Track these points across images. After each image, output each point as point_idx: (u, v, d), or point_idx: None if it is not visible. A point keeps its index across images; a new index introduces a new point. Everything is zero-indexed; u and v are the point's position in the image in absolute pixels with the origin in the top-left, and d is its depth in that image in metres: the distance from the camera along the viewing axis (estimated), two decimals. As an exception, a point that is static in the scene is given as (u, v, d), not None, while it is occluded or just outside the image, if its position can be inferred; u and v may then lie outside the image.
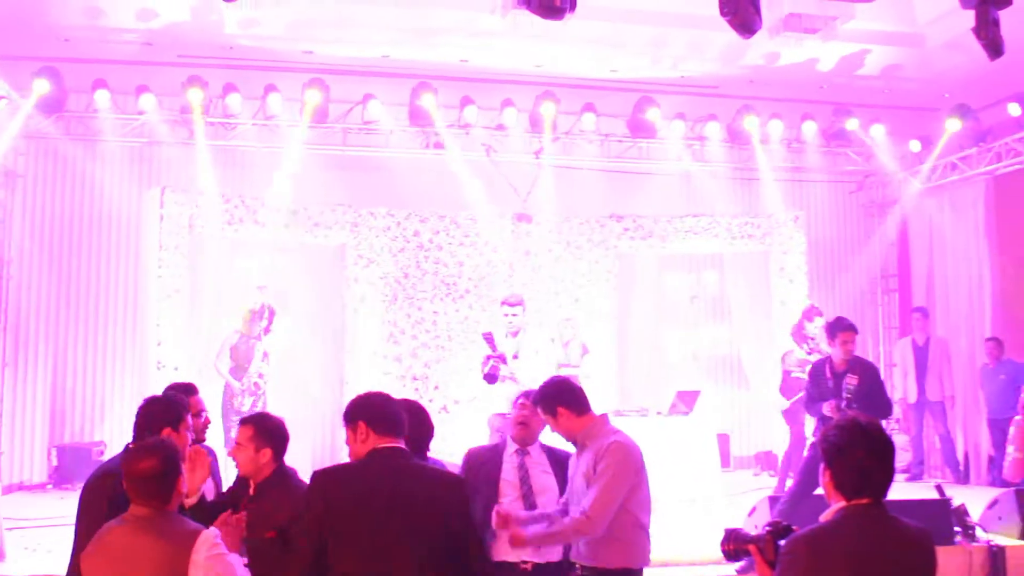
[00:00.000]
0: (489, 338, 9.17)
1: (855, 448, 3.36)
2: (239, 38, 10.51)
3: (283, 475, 4.58)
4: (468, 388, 11.09)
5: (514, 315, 9.37)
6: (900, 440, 12.63)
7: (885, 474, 3.37)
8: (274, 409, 10.07)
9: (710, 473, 9.48)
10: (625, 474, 4.50)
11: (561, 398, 4.72)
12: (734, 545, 3.69)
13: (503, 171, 11.94)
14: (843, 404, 7.37)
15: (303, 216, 11.58)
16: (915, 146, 12.66)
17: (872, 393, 7.49)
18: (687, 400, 10.14)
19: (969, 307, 12.12)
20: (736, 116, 12.32)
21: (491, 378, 9.16)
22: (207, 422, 5.08)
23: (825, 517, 3.38)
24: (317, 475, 4.10)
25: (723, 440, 11.94)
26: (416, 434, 4.50)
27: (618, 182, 12.45)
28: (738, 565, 6.49)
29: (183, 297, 10.93)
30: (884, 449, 3.38)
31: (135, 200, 11.32)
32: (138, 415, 4.53)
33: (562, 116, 11.92)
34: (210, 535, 3.67)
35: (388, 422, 4.09)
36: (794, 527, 3.53)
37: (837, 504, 3.36)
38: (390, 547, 3.87)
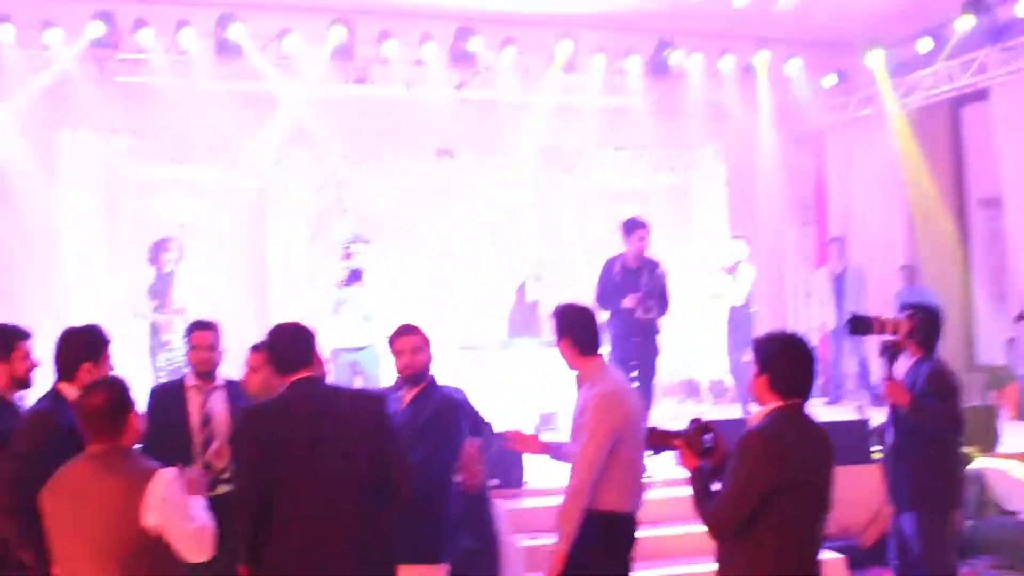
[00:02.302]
0: None
1: (789, 355, 3.85)
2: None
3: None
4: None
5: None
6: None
7: (811, 378, 3.87)
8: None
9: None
10: (606, 431, 4.42)
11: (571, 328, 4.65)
12: (657, 440, 4.14)
13: (424, 107, 11.81)
14: (645, 297, 7.90)
15: (221, 154, 11.34)
16: (829, 81, 12.87)
17: (662, 289, 8.12)
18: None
19: (884, 236, 12.42)
20: (656, 50, 12.34)
21: None
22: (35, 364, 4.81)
23: (759, 416, 3.84)
24: (243, 415, 4.13)
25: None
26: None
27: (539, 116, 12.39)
28: None
29: (99, 238, 10.67)
30: (810, 355, 3.89)
31: (47, 140, 10.92)
32: (57, 349, 4.46)
33: (484, 52, 11.80)
34: (166, 475, 3.64)
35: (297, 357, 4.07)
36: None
37: (772, 404, 3.82)
38: (327, 473, 3.87)
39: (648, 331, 8.03)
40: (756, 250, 12.19)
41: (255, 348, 5.11)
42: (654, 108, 12.66)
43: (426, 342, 4.92)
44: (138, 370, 5.54)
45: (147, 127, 11.06)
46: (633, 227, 8.17)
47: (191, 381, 5.44)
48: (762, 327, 13.51)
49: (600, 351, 4.68)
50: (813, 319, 12.35)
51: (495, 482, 6.92)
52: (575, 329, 4.63)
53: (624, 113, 12.57)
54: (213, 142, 11.27)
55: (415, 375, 4.88)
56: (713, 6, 11.65)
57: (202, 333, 5.46)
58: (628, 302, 7.89)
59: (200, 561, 3.71)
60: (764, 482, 3.65)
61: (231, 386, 5.45)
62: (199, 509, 3.77)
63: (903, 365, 5.58)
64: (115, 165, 10.87)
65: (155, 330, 9.88)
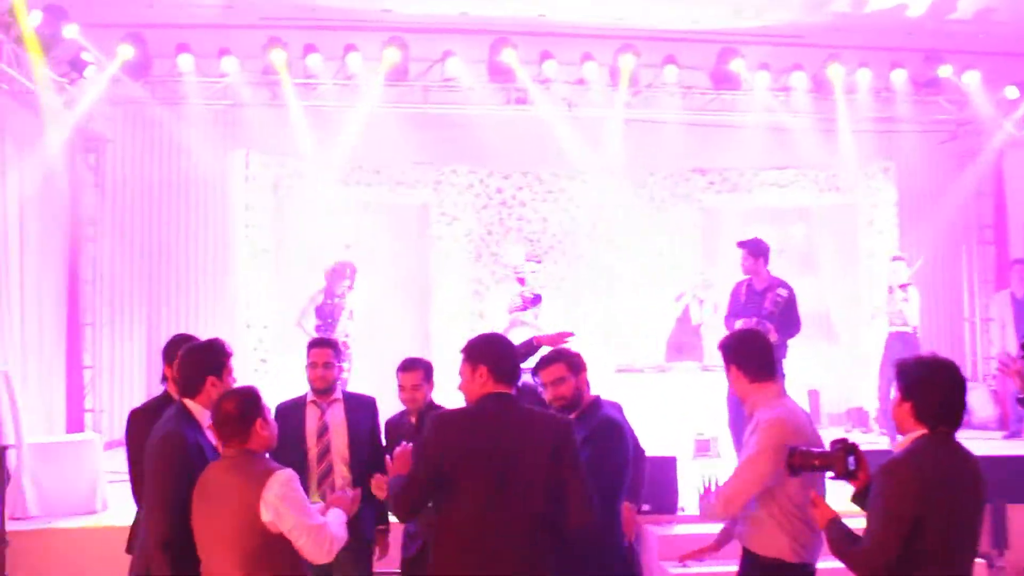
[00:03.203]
0: None
1: (939, 382, 3.65)
2: (319, -2, 10.54)
3: (436, 405, 5.34)
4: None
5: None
6: (981, 395, 12.35)
7: (960, 406, 3.67)
8: (360, 369, 10.17)
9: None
10: (774, 450, 4.10)
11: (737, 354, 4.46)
12: (799, 460, 3.92)
13: (584, 126, 11.83)
14: (763, 319, 7.99)
15: (386, 175, 11.65)
16: (1012, 92, 12.19)
17: (791, 311, 8.20)
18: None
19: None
20: (822, 66, 12.00)
21: None
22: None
23: (903, 444, 3.67)
24: (435, 419, 4.16)
25: (814, 396, 11.77)
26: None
27: (701, 135, 12.23)
28: None
29: (270, 257, 11.10)
30: (960, 382, 3.67)
31: (220, 162, 11.43)
32: (181, 366, 4.53)
33: (643, 69, 11.72)
34: (283, 475, 3.89)
35: (508, 369, 4.13)
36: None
37: (917, 432, 3.64)
38: (502, 493, 3.89)
39: None
40: (929, 272, 11.70)
41: (548, 361, 5.11)
42: (819, 125, 12.32)
43: (570, 369, 4.85)
44: (295, 386, 5.67)
45: (316, 149, 11.39)
46: (759, 253, 8.41)
47: (311, 396, 5.56)
48: (939, 352, 12.98)
49: (773, 376, 4.41)
50: (993, 345, 11.73)
51: (646, 508, 6.79)
52: (740, 355, 4.43)
53: (788, 131, 12.27)
54: (379, 164, 11.54)
55: (565, 406, 4.83)
56: (884, 18, 11.24)
57: (319, 351, 5.57)
58: (741, 325, 7.91)
59: (323, 562, 3.93)
60: (910, 511, 3.48)
61: (349, 399, 5.58)
62: (312, 512, 3.93)
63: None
64: (285, 187, 11.25)
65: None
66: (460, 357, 4.20)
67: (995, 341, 11.71)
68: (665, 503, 7.16)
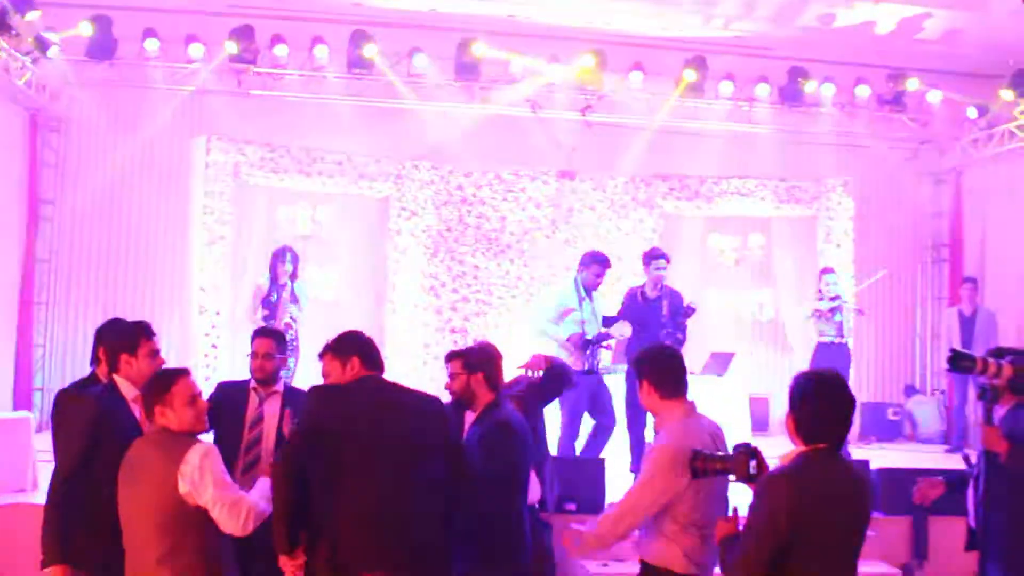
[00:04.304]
0: None
1: (814, 397, 3.64)
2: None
3: None
4: (508, 342, 11.13)
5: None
6: (930, 409, 12.49)
7: (840, 424, 3.68)
8: (311, 360, 10.16)
9: (741, 435, 9.38)
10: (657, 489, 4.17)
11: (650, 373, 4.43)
12: (701, 463, 3.98)
13: (549, 127, 11.91)
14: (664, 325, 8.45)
15: (348, 167, 11.67)
16: (972, 113, 12.31)
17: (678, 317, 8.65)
18: (721, 362, 10.09)
19: (1019, 279, 11.83)
20: (788, 78, 12.10)
21: None
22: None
23: (785, 460, 3.68)
24: (313, 391, 4.44)
25: (763, 403, 11.87)
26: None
27: (664, 142, 12.32)
28: None
29: (227, 244, 11.12)
30: (842, 398, 3.68)
31: (182, 147, 11.44)
32: (99, 343, 4.86)
33: (610, 74, 11.79)
34: (201, 447, 4.04)
35: (376, 358, 4.45)
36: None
37: (800, 447, 3.67)
38: (386, 463, 4.14)
39: None
40: (883, 287, 11.83)
41: (450, 356, 5.34)
42: (782, 137, 12.43)
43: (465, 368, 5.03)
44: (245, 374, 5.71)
45: (279, 139, 11.43)
46: (651, 258, 8.79)
47: (252, 384, 5.55)
48: (889, 368, 13.15)
49: (683, 393, 4.39)
50: (941, 361, 11.87)
51: (571, 507, 6.88)
52: (653, 371, 4.39)
53: (751, 141, 12.38)
54: (342, 156, 11.58)
55: (457, 400, 5.06)
56: (852, 35, 11.35)
57: (261, 340, 5.58)
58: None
59: (241, 535, 4.04)
60: (781, 528, 3.50)
61: (289, 393, 5.58)
62: (229, 483, 4.08)
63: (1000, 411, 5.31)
64: (245, 175, 11.28)
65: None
66: (325, 358, 4.50)
67: (942, 358, 11.81)
68: (591, 503, 7.23)
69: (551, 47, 11.68)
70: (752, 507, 3.62)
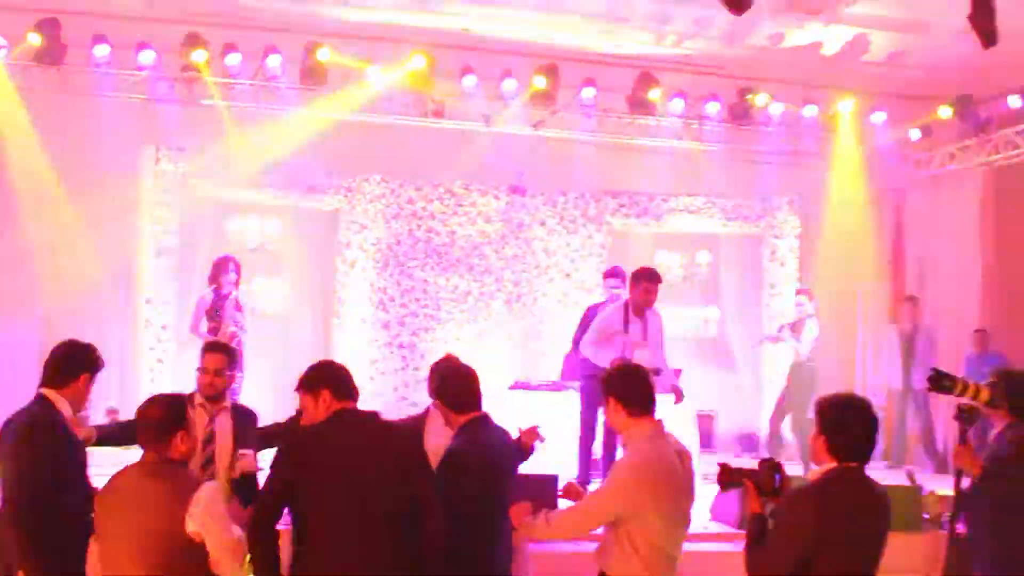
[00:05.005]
0: None
1: (850, 419, 3.96)
2: (243, -3, 10.47)
3: None
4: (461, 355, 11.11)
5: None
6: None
7: (871, 443, 4.01)
8: (258, 372, 10.08)
9: (690, 452, 9.46)
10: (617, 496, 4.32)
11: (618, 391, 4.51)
12: (728, 477, 4.29)
13: (500, 142, 11.93)
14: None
15: (298, 180, 11.59)
16: (914, 134, 12.59)
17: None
18: (668, 378, 10.15)
19: (958, 297, 12.13)
20: (738, 96, 12.26)
21: None
22: None
23: (816, 474, 4.00)
24: (288, 440, 4.34)
25: (706, 420, 11.98)
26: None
27: (615, 158, 12.41)
28: None
29: (174, 256, 10.97)
30: (872, 421, 4.01)
31: (130, 156, 11.25)
32: (58, 356, 4.76)
33: (562, 90, 11.85)
34: (210, 487, 3.99)
35: (348, 388, 4.34)
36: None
37: (828, 465, 3.95)
38: (361, 504, 4.05)
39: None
40: (827, 304, 12.01)
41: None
42: (730, 155, 12.59)
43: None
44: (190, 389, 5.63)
45: (229, 150, 11.30)
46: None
47: (199, 399, 5.43)
48: (830, 383, 13.32)
49: (650, 412, 4.44)
50: (880, 376, 12.11)
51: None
52: (620, 389, 4.46)
53: (699, 158, 12.52)
54: (292, 168, 11.48)
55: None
56: (800, 55, 11.52)
57: (212, 356, 5.51)
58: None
59: (230, 574, 3.96)
60: (808, 540, 3.76)
61: (236, 410, 5.54)
62: (235, 527, 4.01)
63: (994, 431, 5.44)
64: (193, 185, 11.15)
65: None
66: (299, 393, 4.37)
67: (881, 373, 12.09)
68: (547, 503, 7.21)
69: (504, 62, 11.70)
70: (779, 517, 3.91)
